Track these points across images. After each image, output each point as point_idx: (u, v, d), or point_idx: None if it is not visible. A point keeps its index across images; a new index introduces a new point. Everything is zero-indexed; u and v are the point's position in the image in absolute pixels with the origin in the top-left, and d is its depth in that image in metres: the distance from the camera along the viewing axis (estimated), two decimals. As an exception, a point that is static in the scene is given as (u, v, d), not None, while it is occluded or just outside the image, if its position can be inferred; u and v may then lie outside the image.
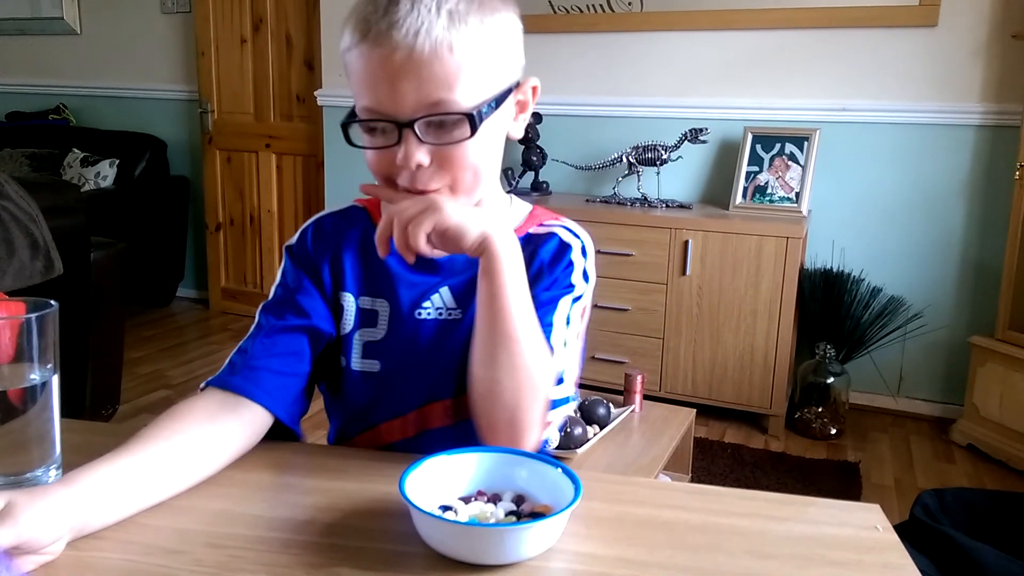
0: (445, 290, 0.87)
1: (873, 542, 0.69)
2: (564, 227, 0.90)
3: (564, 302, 0.84)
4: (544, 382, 0.78)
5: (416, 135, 0.75)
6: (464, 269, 0.87)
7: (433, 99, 0.74)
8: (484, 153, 0.79)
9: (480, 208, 0.81)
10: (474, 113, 0.75)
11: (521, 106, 0.84)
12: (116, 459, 0.68)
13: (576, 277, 0.86)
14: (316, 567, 0.62)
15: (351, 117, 0.79)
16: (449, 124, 0.76)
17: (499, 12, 0.78)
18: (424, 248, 0.75)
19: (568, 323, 0.84)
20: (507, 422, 0.76)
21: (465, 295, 0.86)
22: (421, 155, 0.76)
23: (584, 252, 0.88)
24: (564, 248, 0.87)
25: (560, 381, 0.81)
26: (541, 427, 0.78)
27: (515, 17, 0.81)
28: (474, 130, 0.76)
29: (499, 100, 0.79)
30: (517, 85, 0.82)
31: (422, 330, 0.86)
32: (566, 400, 0.82)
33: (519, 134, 0.86)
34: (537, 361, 0.77)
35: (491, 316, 0.76)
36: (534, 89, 0.85)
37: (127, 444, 0.70)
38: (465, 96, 0.75)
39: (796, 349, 2.96)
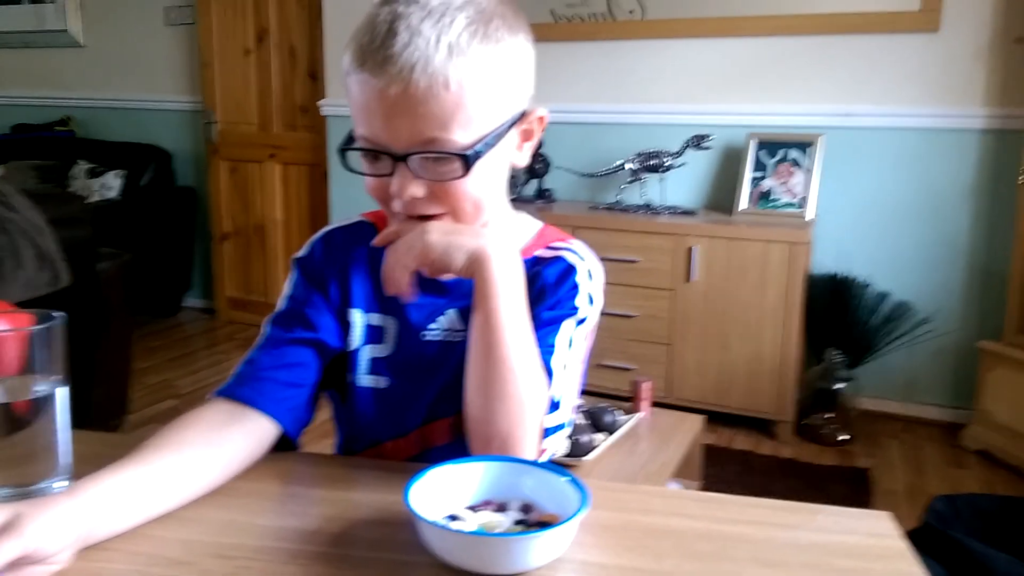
0: (452, 312, 0.86)
1: (882, 550, 0.68)
2: (570, 250, 0.88)
3: (567, 324, 0.83)
4: (538, 410, 0.76)
5: (410, 169, 0.75)
6: (471, 292, 0.87)
7: (427, 137, 0.73)
8: (482, 186, 0.78)
9: (473, 227, 0.79)
10: (468, 153, 0.74)
11: (526, 135, 0.82)
12: (122, 469, 0.68)
13: (580, 300, 0.85)
14: (323, 578, 0.62)
15: (348, 143, 0.79)
16: (444, 160, 0.75)
17: (504, 41, 0.76)
18: (406, 291, 0.76)
19: (570, 346, 0.83)
20: (499, 448, 0.75)
21: (469, 316, 0.86)
22: (415, 188, 0.75)
23: (590, 275, 0.87)
24: (569, 270, 0.86)
25: (556, 407, 0.79)
26: (535, 454, 0.77)
27: (524, 44, 0.79)
28: (467, 170, 0.74)
29: (500, 134, 0.77)
30: (523, 115, 0.80)
31: (427, 350, 0.86)
32: (560, 427, 0.80)
33: (523, 163, 0.84)
34: (531, 388, 0.76)
35: (485, 339, 0.75)
36: (541, 119, 0.82)
37: (133, 454, 0.70)
38: (461, 133, 0.74)
39: (804, 355, 2.95)
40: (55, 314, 0.72)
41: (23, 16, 4.44)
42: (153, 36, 4.21)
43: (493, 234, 0.78)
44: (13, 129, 4.46)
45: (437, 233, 0.75)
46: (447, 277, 0.83)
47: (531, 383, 0.76)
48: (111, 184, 3.93)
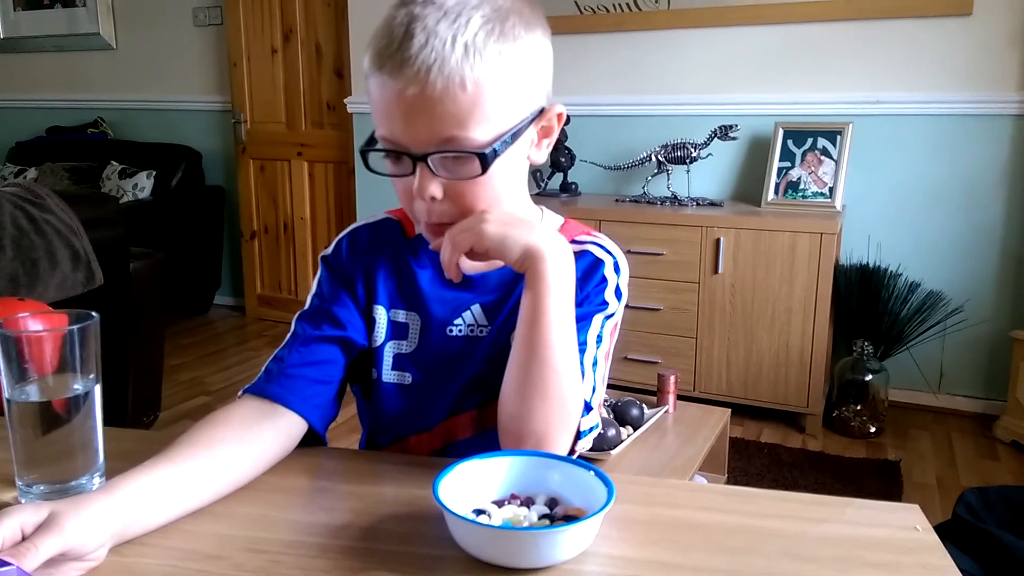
0: (477, 307, 0.87)
1: (913, 543, 0.68)
2: (597, 244, 0.88)
3: (597, 320, 0.83)
4: (576, 412, 0.77)
5: (429, 168, 0.75)
6: (496, 288, 0.87)
7: (445, 136, 0.74)
8: (501, 184, 0.78)
9: (530, 221, 0.78)
10: (487, 152, 0.74)
11: (545, 132, 0.83)
12: (156, 467, 0.69)
13: (609, 294, 0.85)
14: (353, 571, 0.63)
15: (369, 143, 0.79)
16: (463, 159, 0.75)
17: (521, 39, 0.75)
18: (465, 265, 0.76)
19: (599, 342, 0.83)
20: (533, 447, 0.75)
21: (494, 312, 0.86)
22: (434, 188, 0.76)
23: (617, 269, 0.87)
24: (597, 264, 0.86)
25: (589, 409, 0.79)
26: (567, 454, 0.77)
27: (542, 40, 0.79)
28: (485, 168, 0.75)
29: (517, 132, 0.77)
30: (541, 112, 0.80)
31: (451, 345, 0.87)
32: (593, 429, 0.80)
33: (542, 160, 0.84)
34: (572, 390, 0.76)
35: (531, 337, 0.75)
36: (559, 116, 0.82)
37: (166, 452, 0.72)
38: (480, 131, 0.74)
39: (833, 346, 2.92)
40: (90, 314, 0.74)
41: (56, 20, 4.52)
42: (182, 37, 4.26)
43: (549, 231, 0.78)
44: (47, 132, 4.55)
45: (496, 223, 0.75)
46: (478, 269, 0.83)
47: (572, 384, 0.76)
48: (143, 184, 3.99)
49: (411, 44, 0.72)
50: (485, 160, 0.74)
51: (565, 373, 0.75)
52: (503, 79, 0.74)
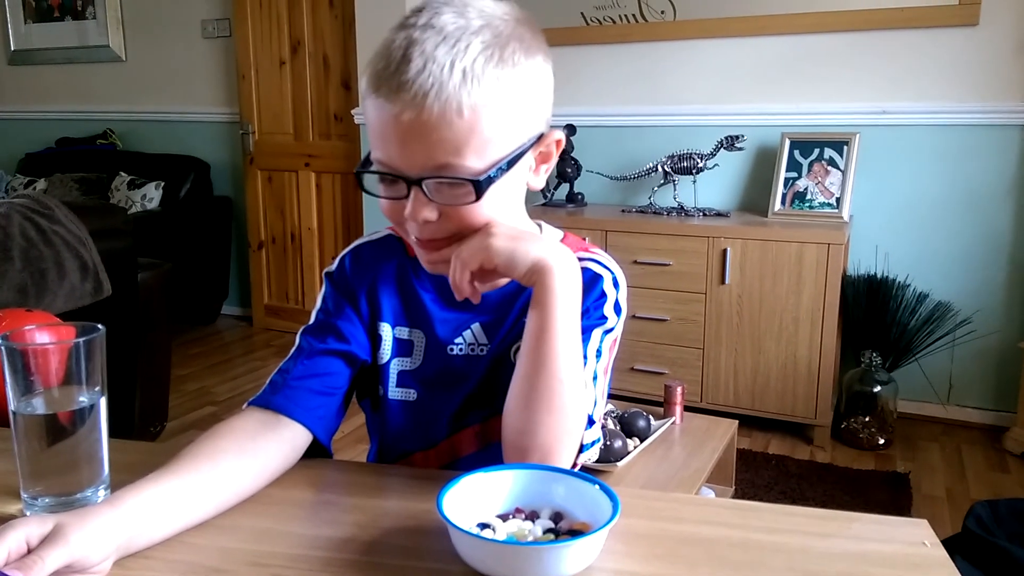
0: (477, 326, 0.87)
1: (920, 558, 0.67)
2: (596, 260, 0.88)
3: (596, 334, 0.83)
4: (580, 425, 0.77)
5: (424, 193, 0.74)
6: (496, 307, 0.87)
7: (440, 162, 0.73)
8: (495, 210, 0.77)
9: (536, 234, 0.77)
10: (481, 179, 0.73)
11: (543, 157, 0.82)
12: (160, 479, 0.69)
13: (608, 309, 0.85)
14: (356, 585, 0.63)
15: (365, 165, 0.79)
16: (457, 185, 0.74)
17: (521, 65, 0.74)
18: (468, 291, 0.76)
19: (599, 356, 0.83)
20: (537, 461, 0.75)
21: (493, 330, 0.87)
22: (428, 212, 0.75)
23: (616, 284, 0.87)
24: (596, 279, 0.86)
25: (591, 422, 0.78)
26: (570, 467, 0.77)
27: (542, 65, 0.78)
28: (479, 195, 0.74)
29: (514, 159, 0.76)
30: (540, 137, 0.79)
31: (453, 363, 0.87)
32: (595, 442, 0.80)
33: (539, 185, 0.83)
34: (576, 403, 0.76)
35: (537, 350, 0.75)
36: (558, 143, 0.82)
37: (171, 464, 0.72)
38: (475, 159, 0.73)
39: (841, 357, 2.91)
40: (96, 326, 0.74)
41: (66, 32, 4.56)
42: (191, 49, 4.29)
43: (556, 244, 0.78)
44: (57, 143, 4.58)
45: (503, 239, 0.75)
46: (495, 286, 0.84)
47: (577, 397, 0.76)
48: (151, 195, 4.01)
49: (408, 68, 0.71)
50: (479, 188, 0.74)
51: (571, 386, 0.75)
52: (501, 105, 0.73)
